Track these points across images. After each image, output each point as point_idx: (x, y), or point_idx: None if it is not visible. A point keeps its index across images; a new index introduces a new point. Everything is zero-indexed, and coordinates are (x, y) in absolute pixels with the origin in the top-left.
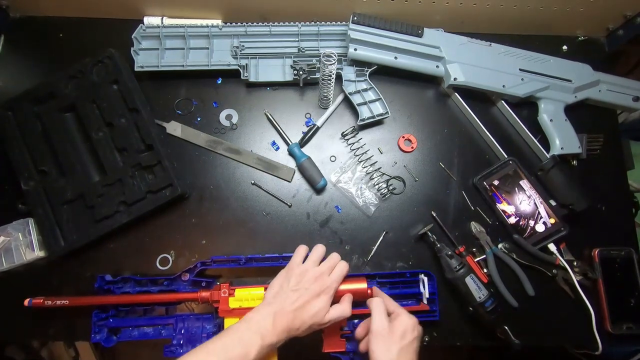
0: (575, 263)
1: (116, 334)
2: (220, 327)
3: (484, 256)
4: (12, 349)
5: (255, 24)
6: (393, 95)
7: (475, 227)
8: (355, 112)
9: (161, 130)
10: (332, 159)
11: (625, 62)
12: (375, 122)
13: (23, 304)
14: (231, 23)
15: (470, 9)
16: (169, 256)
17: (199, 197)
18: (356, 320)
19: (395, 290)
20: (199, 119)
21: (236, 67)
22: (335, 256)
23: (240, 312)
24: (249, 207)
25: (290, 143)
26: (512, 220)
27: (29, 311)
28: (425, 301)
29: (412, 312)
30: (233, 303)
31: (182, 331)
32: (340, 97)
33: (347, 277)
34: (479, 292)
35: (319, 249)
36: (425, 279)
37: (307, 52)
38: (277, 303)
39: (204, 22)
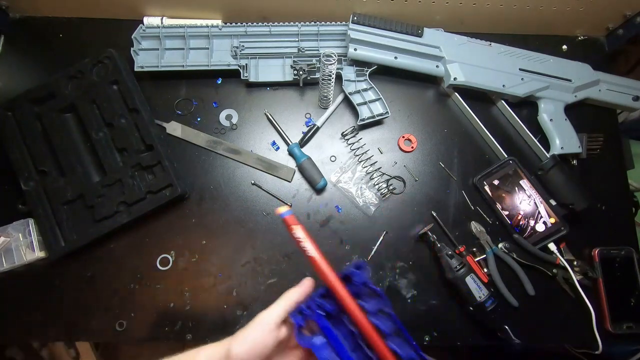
0: (575, 262)
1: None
2: None
3: (484, 256)
4: (12, 349)
5: (255, 24)
6: (393, 95)
7: (475, 226)
8: (355, 112)
9: (161, 131)
10: (332, 159)
11: (625, 62)
12: (375, 122)
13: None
14: (231, 23)
15: (470, 9)
16: (169, 256)
17: (199, 197)
18: None
19: None
20: (199, 119)
21: (236, 67)
22: None
23: None
24: (249, 207)
25: (290, 143)
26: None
27: (29, 311)
28: None
29: None
30: None
31: None
32: (340, 97)
33: None
34: (479, 292)
35: None
36: None
37: (307, 52)
38: None
39: (204, 22)
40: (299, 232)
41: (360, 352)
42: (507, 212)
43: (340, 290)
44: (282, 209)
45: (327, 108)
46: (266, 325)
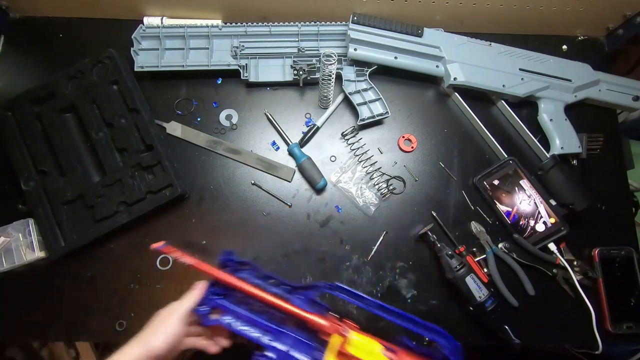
0: (575, 262)
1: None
2: None
3: (484, 256)
4: (12, 349)
5: (255, 24)
6: (393, 95)
7: (475, 226)
8: (355, 112)
9: (161, 130)
10: (332, 159)
11: (625, 62)
12: (375, 122)
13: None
14: (231, 23)
15: (470, 9)
16: (169, 256)
17: (199, 197)
18: None
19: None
20: (199, 119)
21: (236, 67)
22: None
23: None
24: (249, 207)
25: (290, 143)
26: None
27: (29, 311)
28: None
29: None
30: (351, 348)
31: (279, 346)
32: (340, 97)
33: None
34: (479, 292)
35: None
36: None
37: (307, 52)
38: None
39: (204, 22)
40: (175, 254)
41: (254, 309)
42: (507, 211)
43: (220, 274)
44: (157, 244)
45: (327, 108)
46: (178, 318)
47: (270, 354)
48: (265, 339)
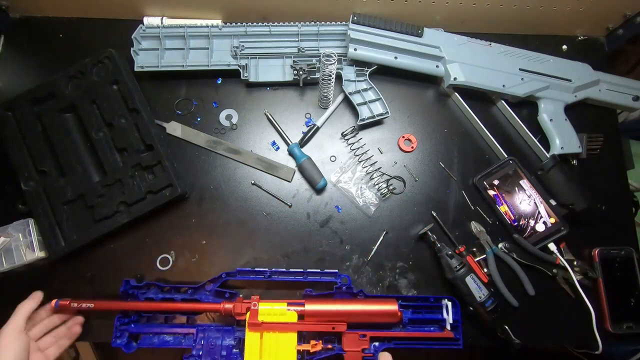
0: (575, 262)
1: (136, 340)
2: (240, 341)
3: (484, 256)
4: None
5: (255, 24)
6: (393, 95)
7: (475, 226)
8: (355, 112)
9: (161, 130)
10: (332, 159)
11: (625, 62)
12: (375, 122)
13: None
14: (231, 23)
15: (470, 9)
16: (169, 256)
17: (199, 197)
18: (377, 344)
19: (418, 314)
20: (199, 119)
21: (236, 67)
22: None
23: (268, 326)
24: (249, 207)
25: (290, 143)
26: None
27: None
28: (448, 327)
29: (436, 340)
30: (259, 317)
31: (202, 342)
32: (340, 97)
33: (377, 298)
34: (479, 292)
35: None
36: (450, 304)
37: (307, 52)
38: None
39: (204, 22)
40: (74, 304)
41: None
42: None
43: (123, 305)
44: (53, 302)
45: (327, 108)
46: (13, 335)
47: (195, 352)
48: (189, 341)
